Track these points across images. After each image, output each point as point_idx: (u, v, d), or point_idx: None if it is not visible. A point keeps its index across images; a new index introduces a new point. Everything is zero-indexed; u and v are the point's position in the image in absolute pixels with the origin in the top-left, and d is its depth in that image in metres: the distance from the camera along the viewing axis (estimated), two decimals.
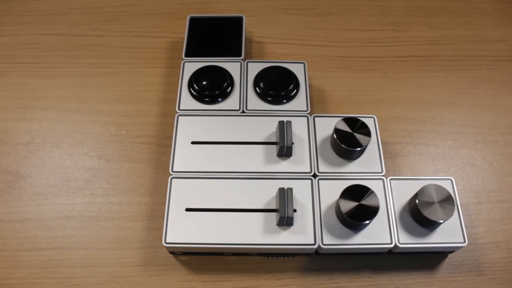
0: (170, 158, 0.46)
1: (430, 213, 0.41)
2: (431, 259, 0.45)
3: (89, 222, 0.47)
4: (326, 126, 0.48)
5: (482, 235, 0.47)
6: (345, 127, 0.45)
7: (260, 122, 0.48)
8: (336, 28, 0.62)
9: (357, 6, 0.64)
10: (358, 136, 0.45)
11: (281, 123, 0.46)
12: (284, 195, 0.42)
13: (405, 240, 0.42)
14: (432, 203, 0.41)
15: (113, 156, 0.51)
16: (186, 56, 0.53)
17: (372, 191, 0.41)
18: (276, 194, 0.44)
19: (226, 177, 0.45)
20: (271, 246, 0.41)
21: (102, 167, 0.50)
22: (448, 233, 0.42)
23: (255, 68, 0.52)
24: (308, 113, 0.49)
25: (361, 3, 0.65)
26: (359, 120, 0.46)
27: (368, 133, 0.45)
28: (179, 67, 0.52)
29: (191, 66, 0.52)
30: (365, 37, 0.61)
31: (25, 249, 0.46)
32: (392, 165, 0.51)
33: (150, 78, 0.57)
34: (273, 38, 0.61)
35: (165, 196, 0.44)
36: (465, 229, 0.42)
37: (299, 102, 0.50)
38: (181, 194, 0.44)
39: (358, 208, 0.40)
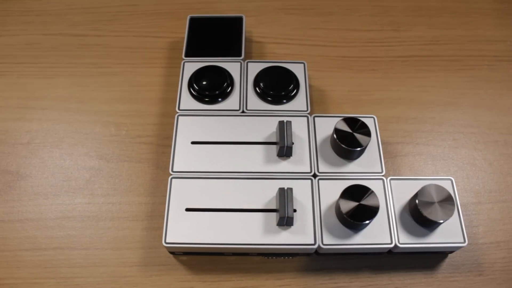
0: (170, 158, 0.46)
1: (430, 213, 0.41)
2: (431, 259, 0.45)
3: (89, 222, 0.47)
4: (326, 126, 0.48)
5: (482, 235, 0.47)
6: (345, 127, 0.45)
7: (260, 122, 0.48)
8: (336, 28, 0.62)
9: (357, 6, 0.64)
10: (358, 136, 0.45)
11: (281, 123, 0.46)
12: (284, 195, 0.42)
13: (405, 240, 0.42)
14: (432, 203, 0.41)
15: (113, 156, 0.51)
16: (186, 56, 0.53)
17: (372, 191, 0.41)
18: (276, 194, 0.44)
19: (226, 177, 0.45)
20: (271, 246, 0.41)
21: (102, 167, 0.50)
22: (448, 233, 0.42)
23: (255, 68, 0.52)
24: (308, 113, 0.49)
25: (361, 3, 0.65)
26: (359, 120, 0.46)
27: (368, 133, 0.45)
28: (179, 67, 0.52)
29: (191, 66, 0.52)
30: (365, 37, 0.61)
31: (25, 249, 0.46)
32: (392, 165, 0.51)
33: (150, 78, 0.57)
34: (273, 38, 0.61)
35: (165, 196, 0.44)
36: (465, 229, 0.42)
37: (299, 102, 0.50)
38: (181, 194, 0.44)
39: (358, 208, 0.40)
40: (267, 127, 0.48)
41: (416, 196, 0.42)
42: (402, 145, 0.53)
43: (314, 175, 0.45)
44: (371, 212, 0.40)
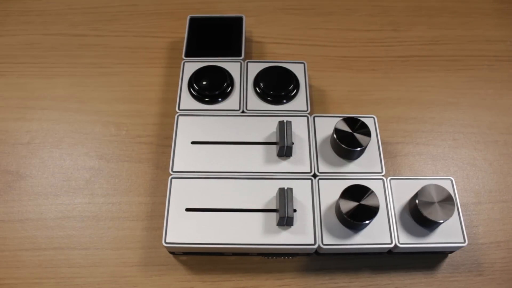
0: (170, 158, 0.46)
1: (430, 213, 0.41)
2: (431, 259, 0.45)
3: (89, 222, 0.47)
4: (326, 126, 0.48)
5: (482, 235, 0.47)
6: (345, 127, 0.45)
7: (260, 122, 0.48)
8: (336, 28, 0.62)
9: (357, 6, 0.64)
10: (358, 136, 0.45)
11: (281, 123, 0.46)
12: (284, 195, 0.42)
13: (405, 240, 0.42)
14: (432, 203, 0.41)
15: (113, 156, 0.51)
16: (186, 56, 0.53)
17: (372, 191, 0.41)
18: (276, 194, 0.44)
19: (226, 177, 0.45)
20: (271, 246, 0.41)
21: (102, 167, 0.50)
22: (448, 233, 0.42)
23: (255, 68, 0.52)
24: (308, 113, 0.49)
25: (361, 3, 0.65)
26: (359, 120, 0.46)
27: (368, 133, 0.45)
28: (179, 67, 0.52)
29: (191, 66, 0.52)
30: (365, 37, 0.61)
31: (25, 249, 0.46)
32: (392, 165, 0.51)
33: (150, 78, 0.57)
34: (273, 38, 0.61)
35: (165, 196, 0.44)
36: (465, 229, 0.42)
37: (299, 102, 0.50)
38: (181, 194, 0.44)
39: (358, 208, 0.40)
40: (267, 127, 0.48)
41: (416, 196, 0.42)
42: (402, 145, 0.53)
43: (314, 175, 0.45)
44: (371, 212, 0.40)
